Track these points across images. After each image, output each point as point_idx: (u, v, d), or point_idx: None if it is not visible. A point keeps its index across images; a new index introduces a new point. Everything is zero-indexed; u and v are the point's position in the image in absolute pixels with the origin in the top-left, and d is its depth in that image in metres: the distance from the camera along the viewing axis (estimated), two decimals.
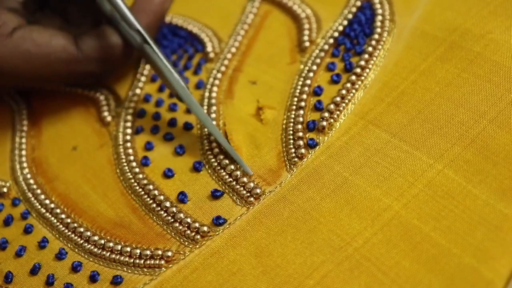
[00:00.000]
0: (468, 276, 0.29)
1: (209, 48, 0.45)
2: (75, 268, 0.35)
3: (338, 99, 0.38)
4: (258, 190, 0.35)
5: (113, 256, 0.35)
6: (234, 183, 0.36)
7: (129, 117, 0.42)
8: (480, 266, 0.29)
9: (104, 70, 0.42)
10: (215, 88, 0.42)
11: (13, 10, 0.41)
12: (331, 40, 0.42)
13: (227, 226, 0.34)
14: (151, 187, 0.37)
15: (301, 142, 0.36)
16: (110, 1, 0.40)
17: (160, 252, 0.34)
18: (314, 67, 0.40)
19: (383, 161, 0.34)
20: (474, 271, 0.29)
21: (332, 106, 0.37)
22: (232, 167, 0.36)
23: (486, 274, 0.29)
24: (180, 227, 0.35)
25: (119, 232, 0.36)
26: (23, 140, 0.43)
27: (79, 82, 0.44)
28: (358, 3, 0.43)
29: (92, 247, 0.36)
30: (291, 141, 0.37)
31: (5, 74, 0.39)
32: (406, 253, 0.30)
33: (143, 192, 0.37)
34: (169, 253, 0.34)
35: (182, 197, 0.36)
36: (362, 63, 0.39)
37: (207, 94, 0.42)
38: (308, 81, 0.40)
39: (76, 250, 0.36)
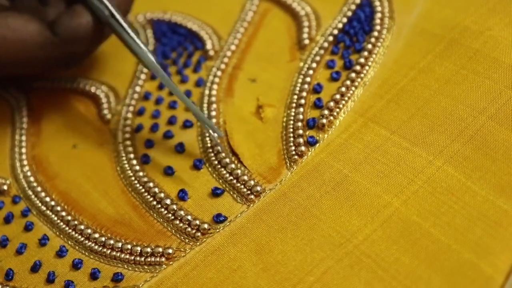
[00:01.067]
0: (468, 272, 0.29)
1: (208, 46, 0.45)
2: (76, 265, 0.35)
3: (337, 96, 0.38)
4: (258, 188, 0.35)
5: (114, 253, 0.35)
6: (234, 181, 0.36)
7: (129, 115, 0.42)
8: (479, 262, 0.29)
9: (83, 50, 0.41)
10: (215, 86, 0.42)
11: None
12: (331, 38, 0.42)
13: (228, 223, 0.34)
14: (151, 184, 0.37)
15: (301, 140, 0.36)
16: None
17: (160, 250, 0.34)
18: (314, 65, 0.40)
19: (382, 158, 0.34)
20: (474, 266, 0.29)
21: (331, 104, 0.38)
22: (233, 165, 0.36)
23: (485, 269, 0.29)
24: (181, 225, 0.35)
25: (120, 229, 0.36)
26: (23, 138, 0.43)
27: (57, 67, 0.43)
28: (358, 1, 0.43)
29: (93, 245, 0.36)
30: (291, 138, 0.37)
31: None
32: (406, 249, 0.31)
33: (143, 190, 0.37)
34: (170, 251, 0.34)
35: (182, 195, 0.36)
36: (362, 60, 0.39)
37: (207, 92, 0.42)
38: (308, 79, 0.40)
39: (77, 247, 0.36)
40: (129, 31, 0.39)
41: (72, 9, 0.40)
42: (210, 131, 0.36)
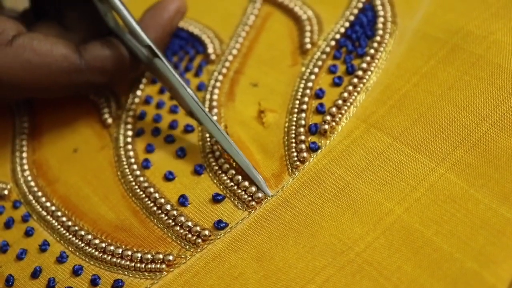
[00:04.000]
0: (470, 281, 0.29)
1: (210, 50, 0.45)
2: (76, 271, 0.35)
3: (340, 102, 0.38)
4: (259, 194, 0.35)
5: (114, 259, 0.35)
6: (235, 187, 0.36)
7: (129, 119, 0.42)
8: (482, 271, 0.29)
9: (107, 81, 0.41)
10: (216, 91, 0.42)
11: (13, 18, 0.40)
12: (333, 42, 0.41)
13: (229, 230, 0.34)
14: (152, 190, 0.37)
15: (303, 146, 0.36)
16: (119, 15, 0.39)
17: (161, 256, 0.34)
18: (316, 70, 0.40)
19: (385, 164, 0.34)
20: (476, 275, 0.29)
21: (334, 109, 0.37)
22: (233, 171, 0.36)
23: (488, 278, 0.29)
24: (181, 231, 0.35)
25: (120, 235, 0.36)
26: (24, 142, 0.43)
27: (80, 92, 0.43)
28: (360, 5, 0.43)
29: (93, 251, 0.36)
30: (293, 144, 0.37)
31: (5, 84, 0.38)
32: (408, 257, 0.30)
33: (144, 195, 0.37)
34: (170, 257, 0.34)
35: (183, 200, 0.36)
36: (364, 65, 0.39)
37: (208, 96, 0.41)
38: (310, 84, 0.39)
39: (77, 253, 0.36)
40: (176, 75, 0.38)
41: (105, 39, 0.40)
42: (262, 184, 0.35)
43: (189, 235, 0.34)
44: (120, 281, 0.34)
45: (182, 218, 0.35)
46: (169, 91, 0.39)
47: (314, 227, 0.33)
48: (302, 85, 0.40)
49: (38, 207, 0.39)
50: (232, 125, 0.39)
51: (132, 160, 0.39)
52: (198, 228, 0.34)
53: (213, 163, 0.37)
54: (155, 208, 0.36)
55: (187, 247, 0.34)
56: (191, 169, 0.38)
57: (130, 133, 0.41)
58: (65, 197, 0.39)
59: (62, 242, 0.37)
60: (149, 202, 0.37)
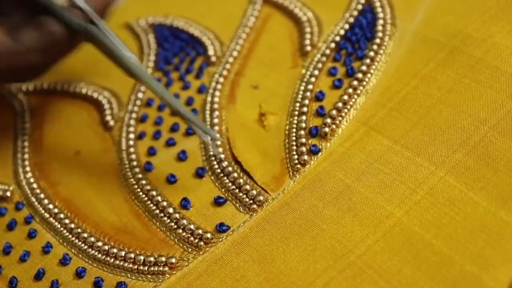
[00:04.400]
0: (469, 284, 0.29)
1: (210, 52, 0.45)
2: (79, 273, 0.35)
3: (340, 104, 0.38)
4: (261, 197, 0.35)
5: (117, 262, 0.35)
6: (237, 190, 0.36)
7: (132, 122, 0.42)
8: (481, 274, 0.29)
9: (47, 60, 0.40)
10: (217, 93, 0.42)
11: None
12: (333, 44, 0.42)
13: (230, 233, 0.34)
14: (154, 193, 0.37)
15: (304, 149, 0.37)
16: None
17: (164, 259, 0.34)
18: (316, 72, 0.40)
19: (385, 167, 0.35)
20: (475, 278, 0.29)
21: (334, 112, 0.38)
22: (235, 174, 0.37)
23: (487, 282, 0.29)
24: (184, 234, 0.35)
25: (123, 238, 0.36)
26: (25, 144, 0.44)
27: (26, 76, 0.42)
28: (360, 7, 0.43)
29: (96, 253, 0.36)
30: (294, 147, 0.37)
31: None
32: (408, 260, 0.31)
33: (146, 198, 0.37)
34: (173, 260, 0.34)
35: (185, 203, 0.36)
36: (364, 68, 0.39)
37: (209, 99, 0.42)
38: (310, 86, 0.40)
39: (80, 255, 0.36)
40: (111, 36, 0.37)
41: (37, 19, 0.39)
42: (206, 129, 0.35)
43: (192, 238, 0.35)
44: (123, 284, 0.34)
45: (185, 221, 0.35)
46: (109, 58, 0.38)
47: (315, 230, 0.33)
48: (302, 88, 0.40)
49: (41, 209, 0.39)
50: (234, 128, 0.40)
51: (135, 163, 0.40)
52: (200, 231, 0.35)
53: (215, 166, 0.37)
54: (157, 211, 0.37)
55: (190, 249, 0.34)
56: (193, 172, 0.38)
57: (132, 135, 0.41)
58: (68, 200, 0.40)
59: (65, 244, 0.37)
60: (151, 205, 0.37)
